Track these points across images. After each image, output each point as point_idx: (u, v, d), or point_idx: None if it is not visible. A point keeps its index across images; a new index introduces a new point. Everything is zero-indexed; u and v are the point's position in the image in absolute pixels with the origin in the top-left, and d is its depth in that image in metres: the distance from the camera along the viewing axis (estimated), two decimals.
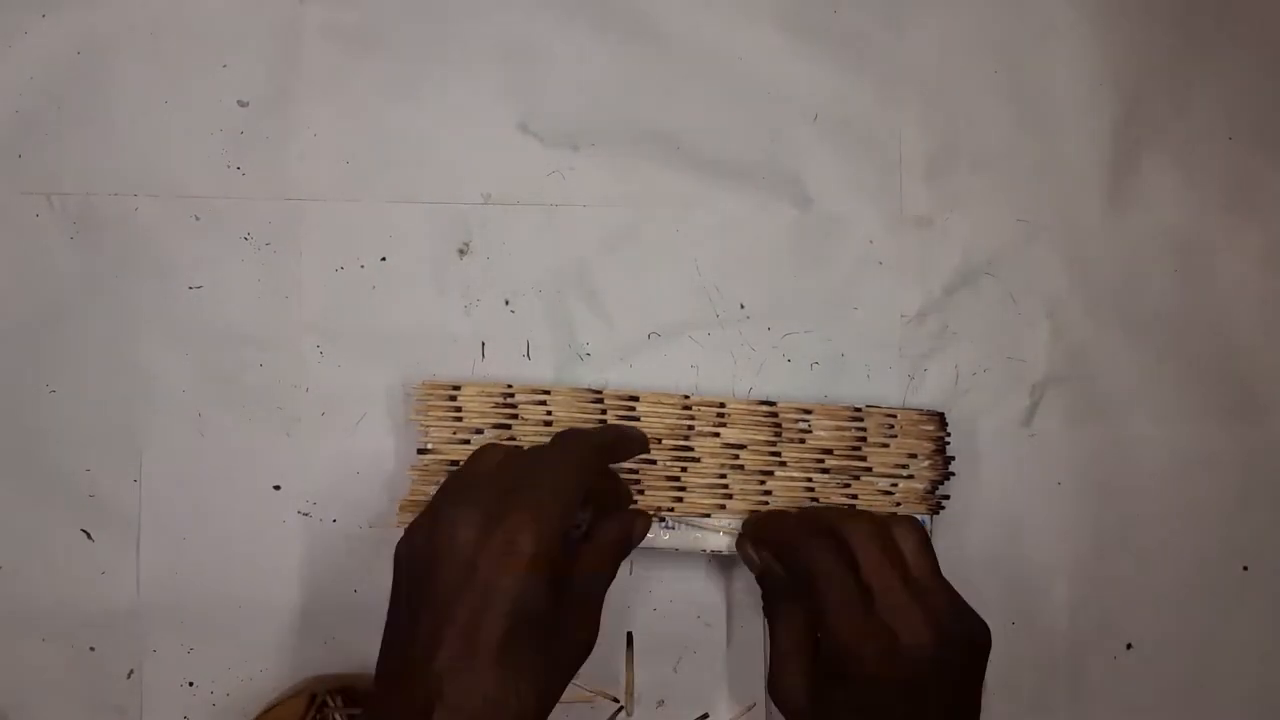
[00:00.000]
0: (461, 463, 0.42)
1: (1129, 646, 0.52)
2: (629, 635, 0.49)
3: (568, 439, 0.42)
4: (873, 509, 0.48)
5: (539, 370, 0.50)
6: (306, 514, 0.48)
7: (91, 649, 0.47)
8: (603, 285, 0.50)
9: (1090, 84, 0.53)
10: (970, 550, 0.51)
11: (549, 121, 0.50)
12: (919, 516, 0.48)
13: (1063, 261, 0.53)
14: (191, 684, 0.47)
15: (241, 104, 0.49)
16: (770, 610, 0.45)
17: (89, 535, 0.47)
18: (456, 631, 0.36)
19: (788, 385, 0.51)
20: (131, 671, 0.47)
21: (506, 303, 0.50)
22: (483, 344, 0.50)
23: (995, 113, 0.53)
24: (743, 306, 0.51)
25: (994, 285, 0.52)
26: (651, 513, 0.47)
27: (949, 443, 0.50)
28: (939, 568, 0.43)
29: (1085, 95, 0.53)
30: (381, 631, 0.48)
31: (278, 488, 0.48)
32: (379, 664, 0.39)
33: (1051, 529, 0.52)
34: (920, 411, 0.50)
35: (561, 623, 0.39)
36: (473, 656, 0.36)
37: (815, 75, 0.52)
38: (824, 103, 0.52)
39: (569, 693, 0.48)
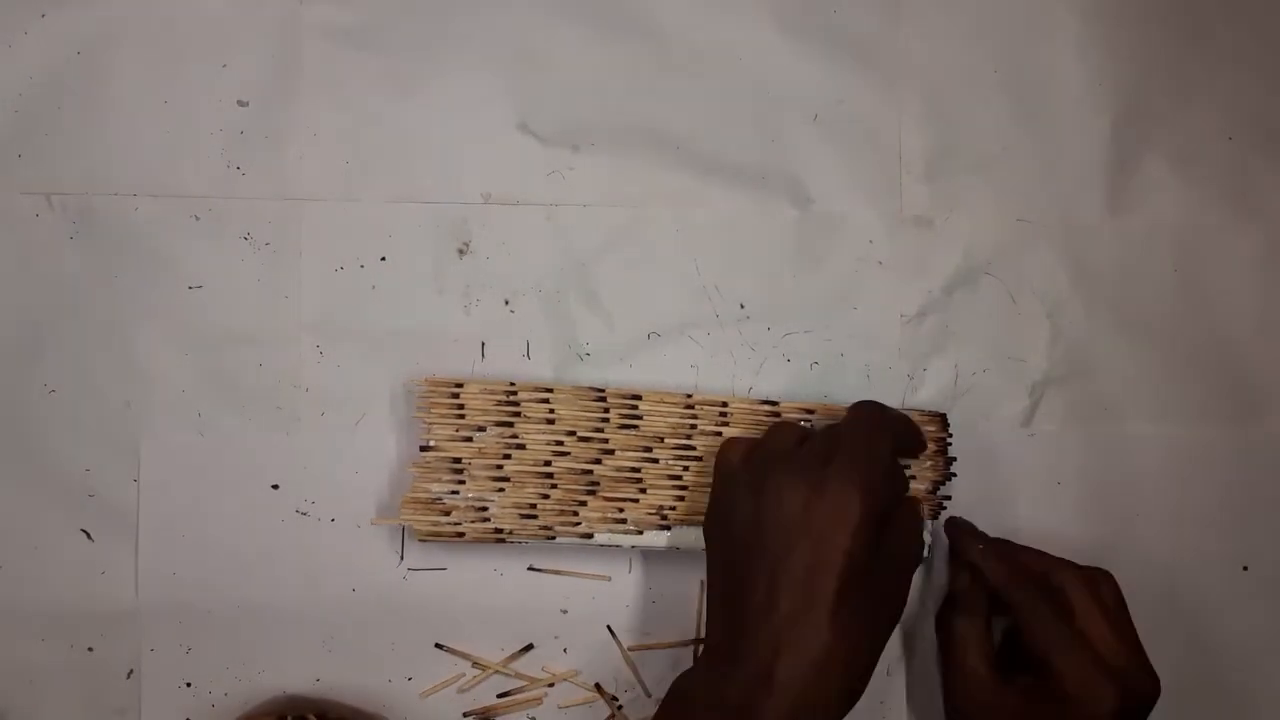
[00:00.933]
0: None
1: None
2: (609, 628, 0.49)
3: (870, 418, 0.45)
4: None
5: (539, 370, 0.50)
6: (305, 514, 0.48)
7: (90, 649, 0.47)
8: (603, 285, 0.50)
9: (1090, 84, 0.53)
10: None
11: (549, 121, 0.50)
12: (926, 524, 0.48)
13: (1063, 261, 0.53)
14: (190, 684, 0.47)
15: (241, 104, 0.49)
16: (955, 625, 0.48)
17: (88, 535, 0.47)
18: (794, 586, 0.39)
19: (787, 385, 0.51)
20: (131, 671, 0.47)
21: (506, 303, 0.50)
22: (482, 344, 0.50)
23: (995, 113, 0.53)
24: (742, 306, 0.51)
25: (994, 285, 0.52)
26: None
27: (950, 443, 0.50)
28: (1132, 623, 0.46)
29: (1085, 95, 0.53)
30: (383, 631, 0.48)
31: (276, 487, 0.48)
32: (710, 630, 0.43)
33: (1051, 529, 0.51)
34: (922, 413, 0.50)
35: (882, 588, 0.42)
36: (811, 608, 0.39)
37: (815, 75, 0.52)
38: (824, 103, 0.52)
39: (571, 693, 0.48)
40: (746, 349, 0.51)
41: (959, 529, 0.50)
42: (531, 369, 0.50)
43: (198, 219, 0.49)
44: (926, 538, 0.48)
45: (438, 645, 0.48)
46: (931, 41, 0.53)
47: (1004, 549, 0.49)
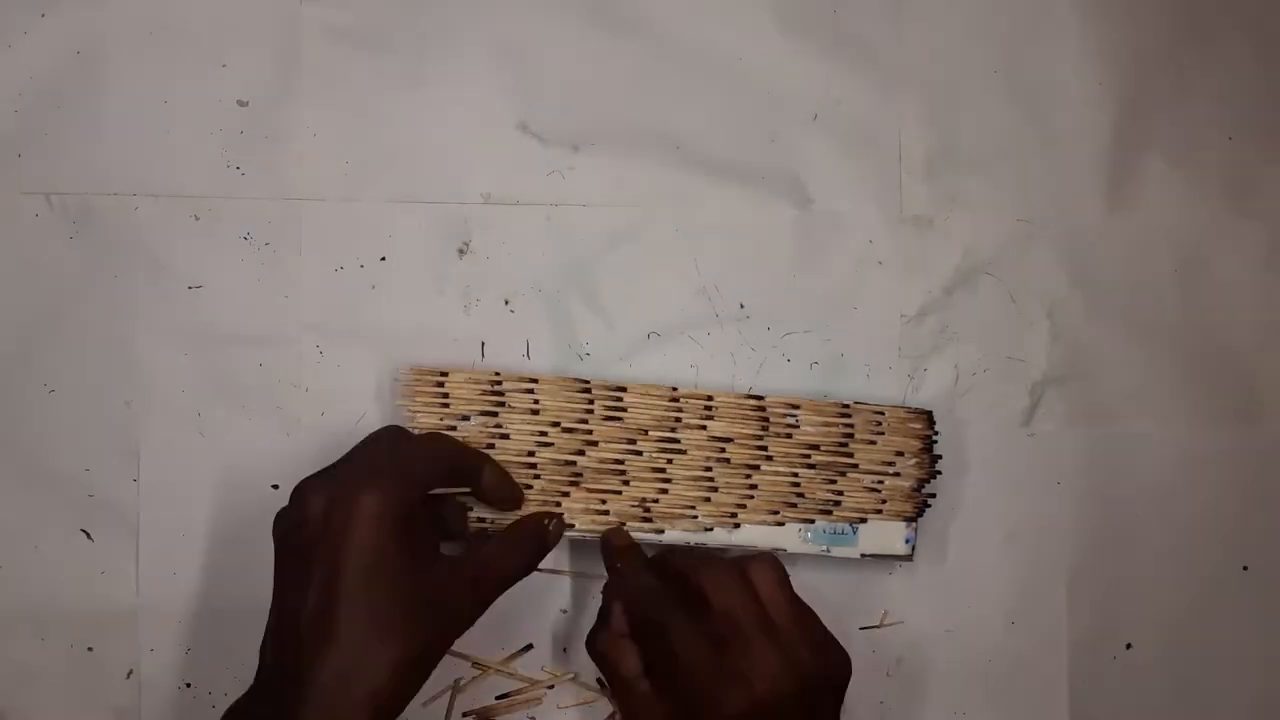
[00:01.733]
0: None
1: (1129, 646, 0.51)
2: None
3: (424, 437, 0.44)
4: (860, 506, 0.48)
5: (538, 369, 0.50)
6: None
7: (90, 649, 0.47)
8: (602, 285, 0.50)
9: (1090, 84, 0.53)
10: (970, 550, 0.51)
11: (549, 121, 0.50)
12: (906, 529, 0.49)
13: (1063, 261, 0.53)
14: (190, 684, 0.47)
15: (241, 104, 0.49)
16: (596, 645, 0.45)
17: (88, 535, 0.47)
18: (313, 592, 0.38)
19: (787, 385, 0.51)
20: (130, 671, 0.47)
21: (506, 302, 0.50)
22: (482, 344, 0.50)
23: (995, 113, 0.53)
24: (742, 306, 0.51)
25: (994, 285, 0.52)
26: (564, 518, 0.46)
27: (936, 441, 0.50)
28: (798, 601, 0.44)
29: (1085, 95, 0.53)
30: None
31: (276, 487, 0.48)
32: (260, 662, 0.40)
33: (1051, 529, 0.51)
34: (908, 409, 0.50)
35: (435, 594, 0.39)
36: (327, 615, 0.37)
37: (815, 75, 0.52)
38: (824, 103, 0.52)
39: (576, 694, 0.48)
40: (746, 349, 0.51)
41: (610, 545, 0.47)
42: (531, 369, 0.50)
43: (197, 219, 0.49)
44: (906, 545, 0.48)
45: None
46: (932, 41, 0.53)
47: (658, 562, 0.47)
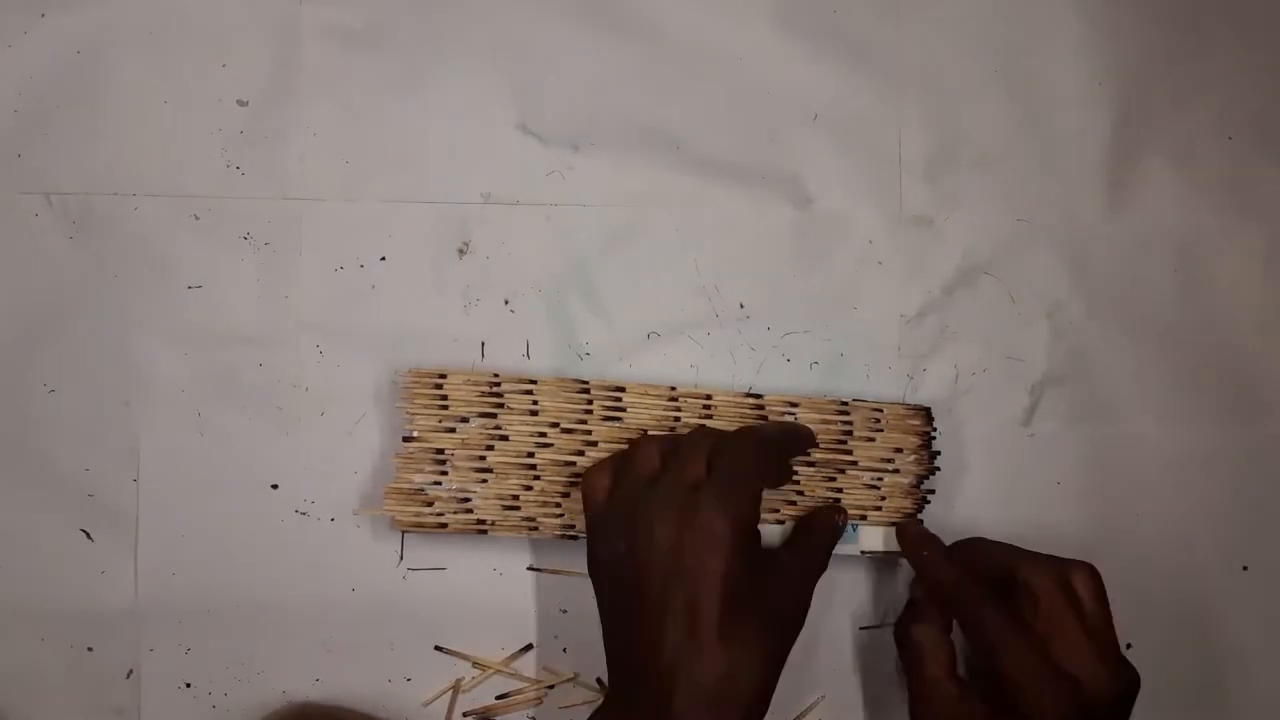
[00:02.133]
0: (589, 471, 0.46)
1: (1129, 646, 0.51)
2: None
3: (742, 435, 0.45)
4: (859, 503, 0.48)
5: (539, 370, 0.50)
6: (305, 514, 0.48)
7: (90, 649, 0.47)
8: (602, 285, 0.50)
9: (1090, 84, 0.53)
10: None
11: (549, 121, 0.50)
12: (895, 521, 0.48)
13: (1063, 261, 0.53)
14: (190, 684, 0.47)
15: (241, 103, 0.49)
16: (911, 642, 0.47)
17: (88, 535, 0.47)
18: (676, 619, 0.39)
19: (787, 384, 0.51)
20: (130, 671, 0.47)
21: (506, 302, 0.50)
22: (482, 344, 0.50)
23: (995, 113, 0.53)
24: (742, 306, 0.51)
25: (993, 285, 0.52)
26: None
27: (935, 437, 0.50)
28: (1109, 614, 0.45)
29: (1085, 95, 0.53)
30: (383, 631, 0.48)
31: (276, 487, 0.48)
32: (609, 677, 0.42)
33: (1051, 529, 0.51)
34: (907, 406, 0.50)
35: (774, 602, 0.41)
36: (697, 639, 0.39)
37: (815, 75, 0.52)
38: (824, 103, 0.52)
39: (571, 693, 0.48)
40: (746, 349, 0.51)
41: (907, 535, 0.48)
42: (531, 369, 0.50)
43: (197, 219, 0.49)
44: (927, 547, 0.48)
45: (437, 648, 0.48)
46: (931, 41, 0.53)
47: (966, 550, 0.47)
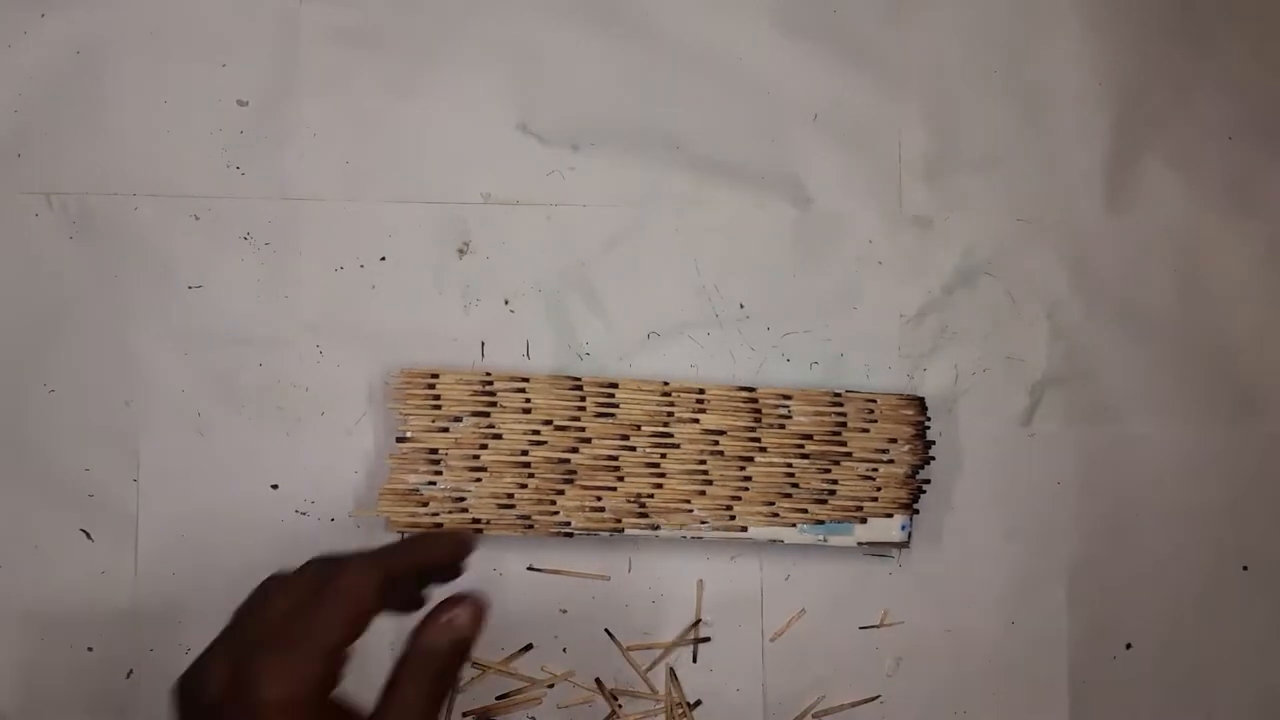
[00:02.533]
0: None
1: (1129, 646, 0.51)
2: (607, 631, 0.49)
3: (336, 567, 0.35)
4: (855, 494, 0.49)
5: (538, 369, 0.50)
6: (305, 514, 0.48)
7: (90, 649, 0.47)
8: (602, 285, 0.50)
9: (1091, 84, 0.53)
10: (970, 550, 0.51)
11: (549, 121, 0.50)
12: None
13: (1063, 261, 0.53)
14: None
15: (241, 104, 0.49)
16: None
17: (88, 535, 0.47)
18: None
19: (787, 386, 0.51)
20: (130, 671, 0.47)
21: (506, 302, 0.50)
22: (482, 344, 0.50)
23: (995, 113, 0.53)
24: (742, 306, 0.51)
25: (993, 285, 0.52)
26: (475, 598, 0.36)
27: (929, 427, 0.50)
28: None
29: (1085, 95, 0.53)
30: (378, 630, 0.48)
31: (276, 487, 0.48)
32: None
33: (1051, 529, 0.51)
34: (900, 396, 0.50)
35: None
36: None
37: (815, 75, 0.52)
38: (824, 103, 0.52)
39: (571, 693, 0.48)
40: (746, 349, 0.51)
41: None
42: (531, 369, 0.50)
43: (197, 219, 0.49)
44: (902, 532, 0.48)
45: None
46: (931, 42, 0.53)
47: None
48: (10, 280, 0.48)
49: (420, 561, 0.37)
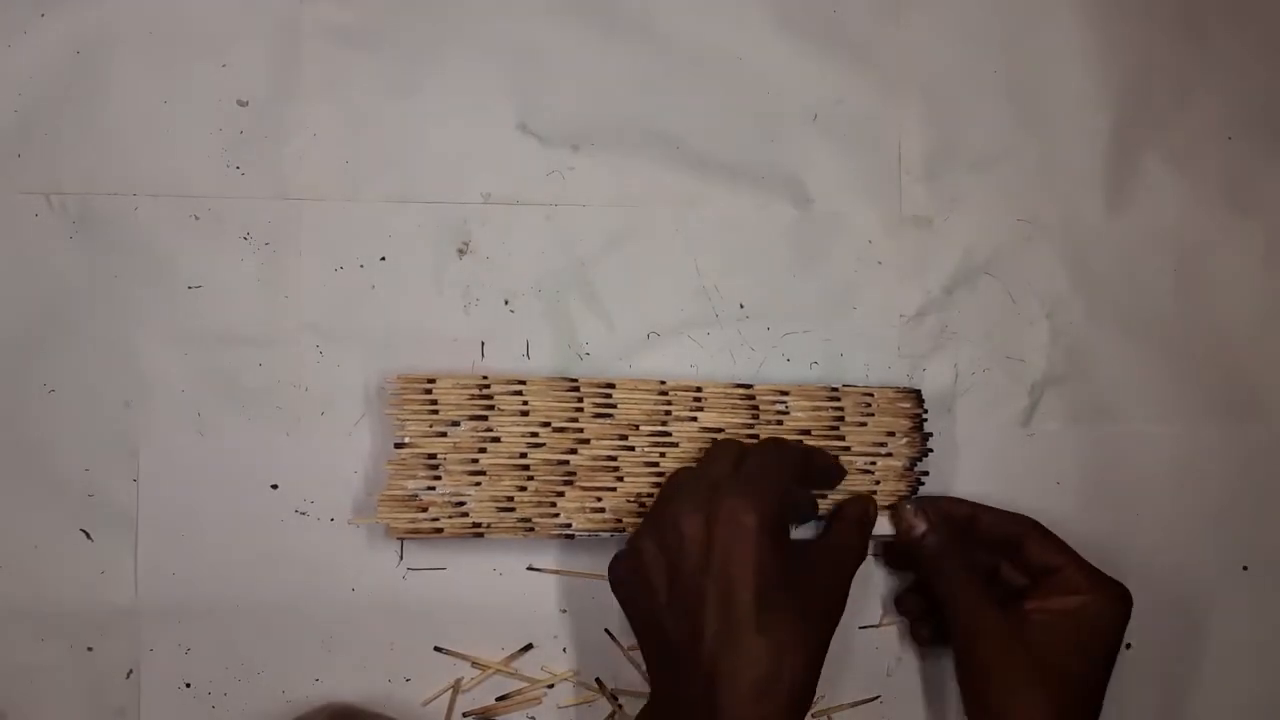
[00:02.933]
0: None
1: (1128, 646, 0.51)
2: (607, 631, 0.49)
3: (767, 441, 0.47)
4: (853, 488, 0.49)
5: (538, 370, 0.50)
6: (305, 513, 0.48)
7: (90, 649, 0.47)
8: (602, 285, 0.50)
9: (1090, 84, 0.53)
10: None
11: (549, 121, 0.50)
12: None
13: (1063, 261, 0.53)
14: (190, 684, 0.47)
15: (241, 103, 0.49)
16: (901, 603, 0.50)
17: (88, 535, 0.47)
18: (713, 611, 0.39)
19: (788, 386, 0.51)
20: (130, 671, 0.47)
21: (506, 303, 0.50)
22: (482, 344, 0.50)
23: (995, 113, 0.53)
24: (742, 306, 0.51)
25: (993, 285, 0.52)
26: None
27: (926, 419, 0.50)
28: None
29: (1085, 95, 0.53)
30: (383, 631, 0.48)
31: (276, 487, 0.48)
32: (652, 680, 0.43)
33: (1051, 529, 0.51)
34: (897, 390, 0.50)
35: (809, 594, 0.41)
36: (734, 631, 0.39)
37: (815, 75, 0.52)
38: (824, 102, 0.52)
39: (571, 693, 0.48)
40: (746, 349, 0.51)
41: (901, 516, 0.49)
42: (531, 369, 0.50)
43: (197, 219, 0.49)
44: (920, 523, 0.48)
45: (437, 648, 0.48)
46: (931, 41, 0.53)
47: (963, 519, 0.49)
48: (10, 280, 0.48)
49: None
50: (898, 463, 0.49)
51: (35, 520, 0.47)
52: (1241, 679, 0.52)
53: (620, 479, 0.47)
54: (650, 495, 0.48)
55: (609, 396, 0.48)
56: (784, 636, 0.39)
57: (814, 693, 0.40)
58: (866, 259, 0.52)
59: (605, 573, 0.49)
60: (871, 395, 0.50)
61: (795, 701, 0.39)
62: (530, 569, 0.49)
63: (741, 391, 0.49)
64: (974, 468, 0.51)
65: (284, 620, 0.48)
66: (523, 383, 0.47)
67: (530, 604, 0.49)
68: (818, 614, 0.41)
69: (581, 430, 0.48)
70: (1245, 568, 0.53)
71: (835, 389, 0.49)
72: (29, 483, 0.47)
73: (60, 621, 0.47)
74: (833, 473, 0.48)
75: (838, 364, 0.51)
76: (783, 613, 0.40)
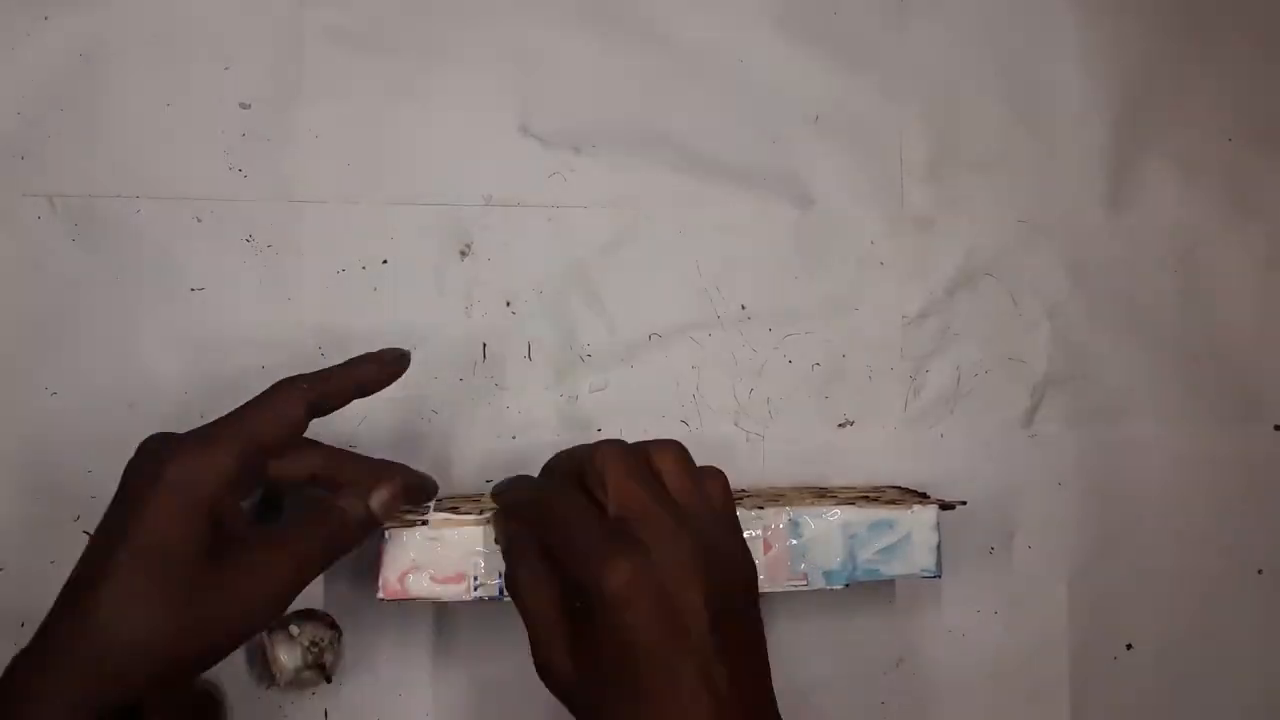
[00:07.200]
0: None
1: (1129, 647, 0.52)
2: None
3: (278, 384, 0.40)
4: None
5: (539, 371, 0.50)
6: None
7: None
8: (603, 286, 0.50)
9: (1090, 84, 0.53)
10: (971, 551, 0.51)
11: (550, 123, 0.51)
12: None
13: (1063, 261, 0.53)
14: None
15: (243, 106, 0.49)
16: (513, 581, 0.39)
17: (90, 536, 0.47)
18: (89, 552, 0.37)
19: (789, 387, 0.51)
20: None
21: (507, 304, 0.50)
22: (484, 345, 0.50)
23: (995, 113, 0.53)
24: (744, 307, 0.51)
25: (994, 286, 0.52)
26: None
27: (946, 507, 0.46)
28: (704, 487, 0.39)
29: (1085, 95, 0.53)
30: (370, 636, 0.48)
31: None
32: None
33: (1051, 529, 0.52)
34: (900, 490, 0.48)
35: (217, 594, 0.36)
36: (91, 582, 0.36)
37: (816, 76, 0.52)
38: (825, 103, 0.52)
39: None
40: (748, 350, 0.51)
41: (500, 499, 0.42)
42: (532, 370, 0.50)
43: (200, 221, 0.49)
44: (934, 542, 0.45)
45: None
46: (932, 42, 0.53)
47: (544, 474, 0.42)
48: (12, 282, 0.48)
49: (357, 382, 0.41)
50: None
51: (36, 522, 0.47)
52: (1243, 680, 0.52)
53: None
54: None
55: None
56: (130, 625, 0.35)
57: (141, 695, 0.35)
58: (868, 260, 0.52)
59: None
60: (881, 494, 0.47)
61: (102, 693, 0.35)
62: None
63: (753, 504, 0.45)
64: (975, 469, 0.51)
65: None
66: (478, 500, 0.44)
67: None
68: (195, 623, 0.35)
69: None
70: (1260, 571, 0.53)
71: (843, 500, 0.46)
72: (31, 485, 0.47)
73: None
74: (391, 378, 0.42)
75: (839, 365, 0.51)
76: (143, 600, 0.35)
